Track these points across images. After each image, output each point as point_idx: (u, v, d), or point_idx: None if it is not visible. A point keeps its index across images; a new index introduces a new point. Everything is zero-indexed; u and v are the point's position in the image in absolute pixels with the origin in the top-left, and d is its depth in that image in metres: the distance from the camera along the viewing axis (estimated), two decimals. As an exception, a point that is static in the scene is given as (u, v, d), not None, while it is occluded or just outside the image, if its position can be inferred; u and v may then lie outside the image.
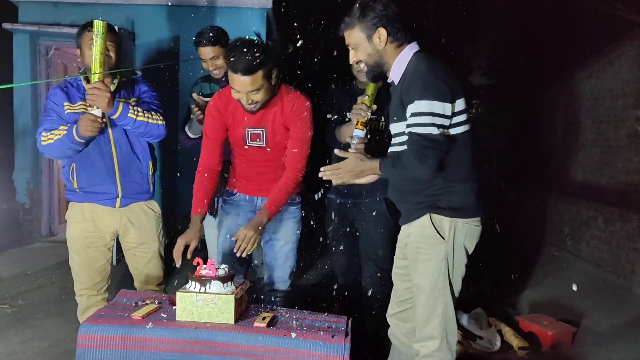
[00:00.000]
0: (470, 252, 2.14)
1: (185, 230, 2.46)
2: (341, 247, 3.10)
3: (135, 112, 2.55)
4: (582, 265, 5.55)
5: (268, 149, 2.60)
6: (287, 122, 2.54)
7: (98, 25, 2.38)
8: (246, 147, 2.62)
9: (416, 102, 1.94)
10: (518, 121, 9.10)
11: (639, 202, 5.44)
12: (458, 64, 10.63)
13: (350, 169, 2.08)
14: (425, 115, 1.92)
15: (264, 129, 2.56)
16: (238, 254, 2.40)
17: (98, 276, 2.70)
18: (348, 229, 3.05)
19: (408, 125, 1.96)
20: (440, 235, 2.06)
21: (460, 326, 3.43)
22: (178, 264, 2.36)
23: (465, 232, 2.09)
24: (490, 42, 10.57)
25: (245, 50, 2.29)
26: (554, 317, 3.63)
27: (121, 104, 2.51)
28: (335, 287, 3.23)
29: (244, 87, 2.34)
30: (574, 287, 4.48)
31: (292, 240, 2.74)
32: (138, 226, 2.72)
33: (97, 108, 2.45)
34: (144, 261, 2.77)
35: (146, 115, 2.59)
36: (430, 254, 2.09)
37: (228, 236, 2.71)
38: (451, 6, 10.26)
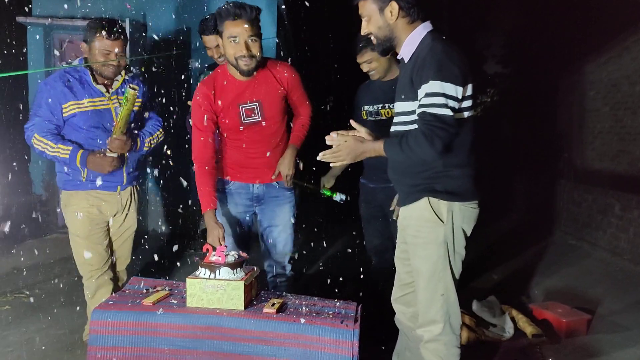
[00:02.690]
0: (468, 235, 2.12)
1: (207, 231, 2.49)
2: (373, 230, 3.19)
3: (149, 143, 2.86)
4: (599, 253, 5.49)
5: (264, 123, 2.61)
6: (285, 91, 2.66)
7: (130, 93, 2.49)
8: (242, 127, 2.61)
9: (431, 82, 1.91)
10: (533, 109, 8.98)
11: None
12: (472, 53, 10.52)
13: (350, 151, 2.03)
14: (439, 96, 1.90)
15: (257, 103, 2.59)
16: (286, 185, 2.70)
17: (105, 254, 2.84)
18: (379, 212, 3.12)
19: (421, 105, 1.93)
20: (439, 219, 2.04)
21: (473, 313, 3.42)
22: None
23: (462, 215, 2.07)
24: (504, 30, 10.44)
25: (239, 2, 2.45)
26: (570, 305, 3.58)
27: (139, 142, 2.79)
28: (369, 268, 3.30)
29: (244, 32, 2.43)
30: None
31: (289, 226, 2.77)
32: (128, 207, 2.90)
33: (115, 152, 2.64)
34: (120, 241, 2.96)
35: (155, 140, 2.89)
36: (429, 238, 2.07)
37: (227, 227, 2.71)
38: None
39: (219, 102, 2.58)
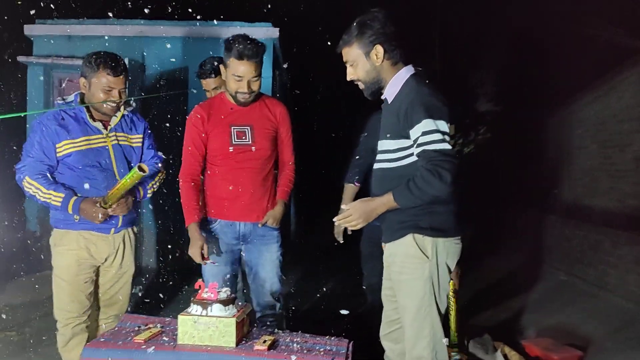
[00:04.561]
0: (452, 270, 2.17)
1: (190, 243, 2.58)
2: (373, 268, 3.13)
3: (152, 187, 2.81)
4: (590, 289, 5.49)
5: (253, 148, 2.68)
6: (277, 124, 2.76)
7: (136, 173, 2.38)
8: (231, 149, 2.66)
9: (424, 121, 2.00)
10: (524, 146, 9.13)
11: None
12: (464, 91, 10.74)
13: (360, 214, 2.10)
14: (437, 133, 2.00)
15: (250, 127, 2.69)
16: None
17: (87, 302, 2.69)
18: (381, 250, 3.10)
19: (420, 144, 2.02)
20: (424, 254, 2.09)
21: (466, 350, 3.42)
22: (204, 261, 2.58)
23: (446, 250, 2.13)
24: (496, 69, 10.70)
25: (248, 40, 2.54)
26: (561, 341, 3.59)
27: (142, 191, 2.74)
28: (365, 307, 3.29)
29: (248, 73, 2.55)
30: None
31: (276, 265, 2.79)
32: (124, 251, 2.77)
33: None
34: (118, 286, 2.80)
35: (157, 183, 2.84)
36: (414, 274, 2.11)
37: (214, 266, 2.73)
38: (457, 35, 10.43)
39: (211, 122, 2.68)
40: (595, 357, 3.60)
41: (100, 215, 2.51)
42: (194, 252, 2.56)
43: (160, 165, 2.84)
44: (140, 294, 4.46)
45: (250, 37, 2.59)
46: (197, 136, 2.69)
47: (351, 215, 2.11)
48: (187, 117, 2.75)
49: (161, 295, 4.31)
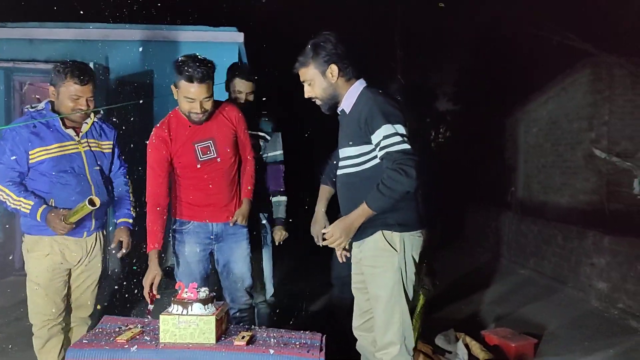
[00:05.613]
0: (417, 261, 2.35)
1: (147, 270, 2.63)
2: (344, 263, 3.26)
3: (134, 205, 2.92)
4: (544, 281, 5.80)
5: (219, 159, 2.77)
6: (235, 129, 2.84)
7: (86, 208, 2.40)
8: (199, 165, 2.74)
9: (384, 126, 2.18)
10: (482, 145, 9.44)
11: (595, 220, 5.74)
12: (425, 91, 11.00)
13: (341, 231, 2.25)
14: (397, 136, 2.17)
15: (212, 140, 2.76)
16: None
17: (62, 304, 2.75)
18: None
19: (382, 147, 2.19)
20: (393, 248, 2.28)
21: (429, 341, 3.60)
22: (151, 306, 2.59)
23: (412, 243, 2.32)
24: (455, 71, 11.01)
25: (198, 62, 2.55)
26: (518, 330, 3.82)
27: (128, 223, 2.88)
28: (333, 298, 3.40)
29: (200, 95, 2.58)
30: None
31: (247, 261, 2.91)
32: (94, 253, 2.82)
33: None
34: (84, 287, 2.84)
35: (133, 199, 2.93)
36: (385, 266, 2.29)
37: (187, 267, 2.83)
38: (418, 37, 10.69)
39: (175, 143, 2.72)
40: (550, 344, 3.85)
41: (61, 229, 2.55)
42: (145, 282, 2.60)
43: (127, 179, 2.94)
44: (107, 297, 4.46)
45: (200, 57, 2.58)
46: (161, 159, 2.71)
47: (333, 235, 2.26)
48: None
49: (127, 297, 4.32)
